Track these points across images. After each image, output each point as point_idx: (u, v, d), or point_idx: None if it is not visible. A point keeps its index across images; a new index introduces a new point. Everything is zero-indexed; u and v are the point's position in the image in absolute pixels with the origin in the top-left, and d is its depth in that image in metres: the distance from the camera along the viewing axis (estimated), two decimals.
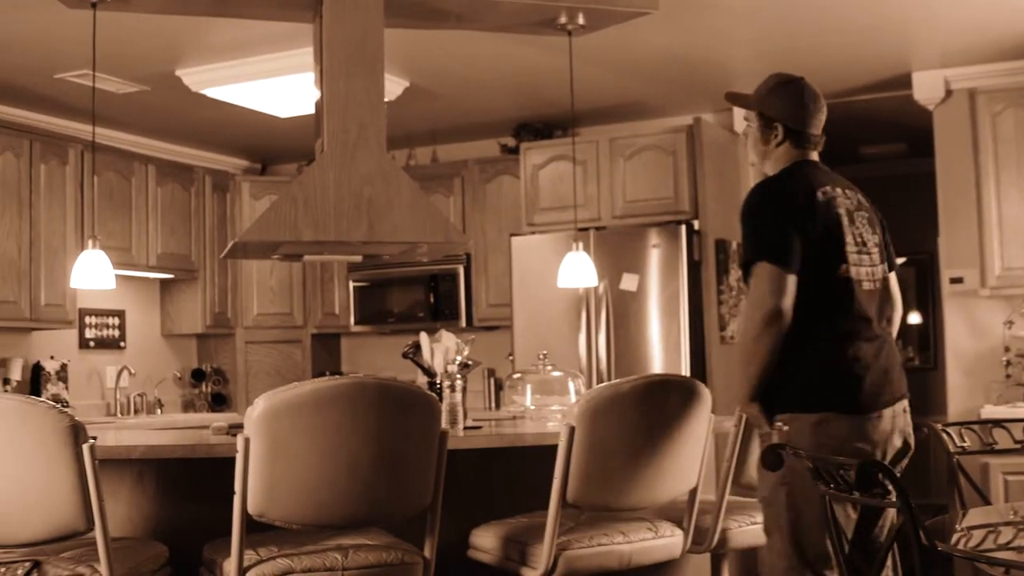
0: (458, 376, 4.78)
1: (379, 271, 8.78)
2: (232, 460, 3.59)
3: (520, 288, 7.80)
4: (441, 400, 4.44)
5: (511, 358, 7.82)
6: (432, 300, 8.64)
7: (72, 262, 6.13)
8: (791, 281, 3.70)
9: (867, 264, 3.89)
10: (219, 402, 9.05)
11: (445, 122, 8.52)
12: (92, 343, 8.41)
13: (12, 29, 6.14)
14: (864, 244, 3.90)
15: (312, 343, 9.26)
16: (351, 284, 9.02)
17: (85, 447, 3.46)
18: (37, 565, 1.76)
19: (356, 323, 9.04)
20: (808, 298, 3.73)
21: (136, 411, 8.52)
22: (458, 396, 4.72)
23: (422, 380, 4.91)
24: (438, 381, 4.82)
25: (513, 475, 4.57)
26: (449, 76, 7.27)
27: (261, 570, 3.63)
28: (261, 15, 5.63)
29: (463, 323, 8.50)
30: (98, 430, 3.83)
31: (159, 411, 8.73)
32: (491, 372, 8.44)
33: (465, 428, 4.69)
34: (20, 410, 3.51)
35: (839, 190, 3.92)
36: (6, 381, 7.56)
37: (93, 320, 8.41)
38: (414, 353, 4.95)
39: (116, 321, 8.60)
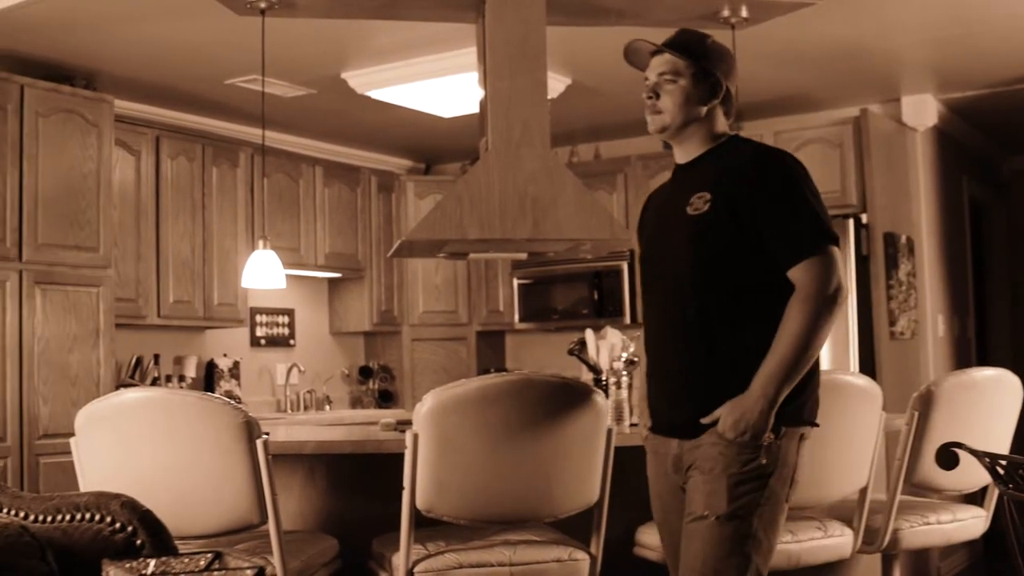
0: (623, 373, 4.77)
1: (543, 268, 8.80)
2: (400, 456, 3.64)
3: None
4: (607, 397, 4.43)
5: None
6: (596, 297, 8.63)
7: (243, 262, 6.28)
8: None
9: None
10: (386, 399, 9.17)
11: (607, 118, 8.50)
12: (263, 341, 8.60)
13: (184, 37, 6.31)
14: None
15: (477, 340, 9.32)
16: (515, 282, 9.06)
17: (259, 442, 3.54)
18: (219, 556, 1.81)
19: (520, 320, 9.08)
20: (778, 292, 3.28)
21: (305, 408, 8.69)
22: (624, 393, 4.71)
23: (587, 377, 4.90)
24: (604, 378, 4.81)
25: None
26: (611, 72, 7.24)
27: (429, 564, 3.67)
28: (424, 17, 5.68)
29: (627, 320, 8.46)
30: (269, 426, 3.91)
31: (327, 408, 8.89)
32: None
33: (631, 425, 4.68)
34: (197, 406, 3.60)
35: None
36: (181, 378, 7.78)
37: (264, 319, 8.61)
38: (580, 350, 4.95)
39: (286, 320, 8.78)
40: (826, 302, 3.13)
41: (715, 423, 3.15)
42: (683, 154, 3.47)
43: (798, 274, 3.16)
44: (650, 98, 3.48)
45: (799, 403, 3.23)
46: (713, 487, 3.14)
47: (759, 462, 3.13)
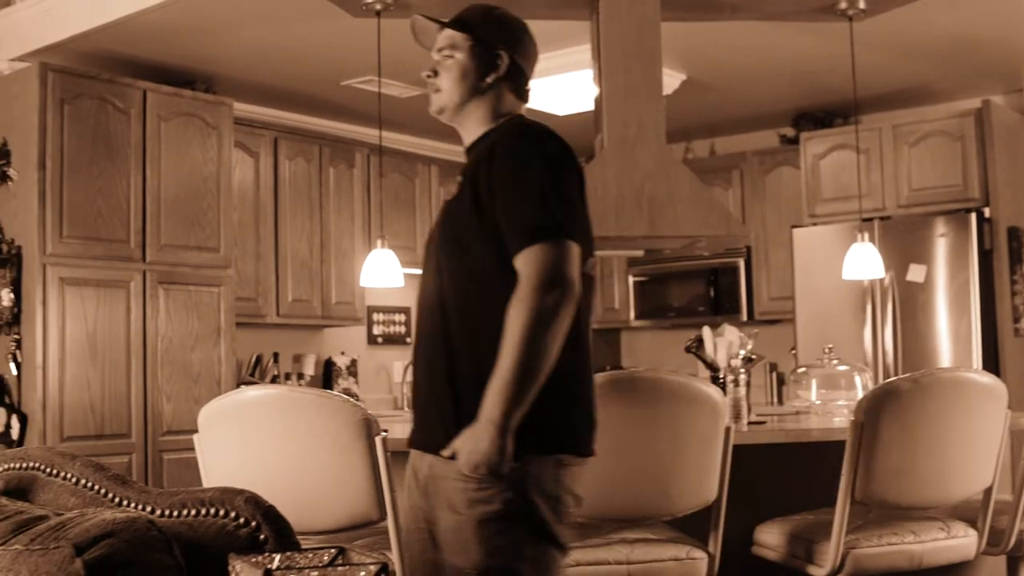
0: (741, 371, 4.73)
1: (659, 265, 8.77)
2: None
3: (802, 281, 7.67)
4: (724, 394, 4.40)
5: (794, 352, 7.69)
6: (712, 294, 8.57)
7: (360, 261, 6.34)
8: (576, 250, 2.75)
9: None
10: None
11: (722, 114, 8.44)
12: (380, 339, 8.68)
13: (301, 40, 6.40)
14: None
15: (592, 338, 9.29)
16: (631, 279, 9.04)
17: (378, 439, 3.56)
18: (342, 552, 1.83)
19: (636, 318, 9.05)
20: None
21: None
22: (742, 391, 4.67)
23: (704, 375, 4.87)
24: (721, 375, 4.77)
25: (798, 471, 4.49)
26: (726, 68, 7.20)
27: None
28: (538, 14, 5.69)
29: (744, 317, 8.40)
30: (387, 423, 3.94)
31: None
32: (773, 366, 8.32)
33: (749, 423, 4.64)
34: (317, 403, 3.64)
35: None
36: (300, 376, 7.88)
37: (381, 317, 8.68)
38: (697, 347, 4.92)
39: (403, 318, 8.85)
40: (544, 300, 2.63)
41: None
42: (466, 136, 3.10)
43: (519, 265, 2.69)
44: (429, 76, 3.11)
45: (547, 425, 2.72)
46: (463, 532, 2.72)
47: (505, 496, 2.67)
